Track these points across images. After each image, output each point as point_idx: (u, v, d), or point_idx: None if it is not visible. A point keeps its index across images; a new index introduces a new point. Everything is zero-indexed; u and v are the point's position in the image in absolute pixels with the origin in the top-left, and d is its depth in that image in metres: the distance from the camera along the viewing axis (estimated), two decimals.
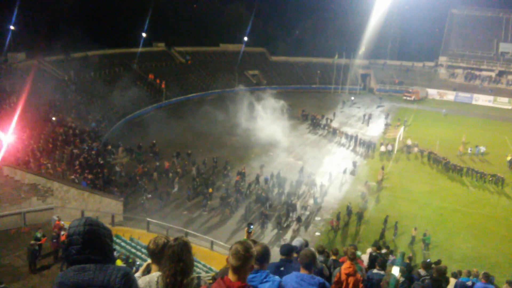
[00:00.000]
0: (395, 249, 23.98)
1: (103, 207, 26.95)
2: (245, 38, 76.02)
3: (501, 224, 30.02)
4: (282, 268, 5.36)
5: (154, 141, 39.75)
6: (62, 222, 19.94)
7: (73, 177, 27.80)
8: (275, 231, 27.87)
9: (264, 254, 4.43)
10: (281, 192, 33.10)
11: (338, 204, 31.86)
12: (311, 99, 67.43)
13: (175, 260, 3.13)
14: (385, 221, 27.84)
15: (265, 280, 4.22)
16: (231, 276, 3.39)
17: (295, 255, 5.88)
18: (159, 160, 36.92)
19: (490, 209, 32.30)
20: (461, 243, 27.17)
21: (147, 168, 34.54)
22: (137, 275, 3.91)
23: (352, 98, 66.99)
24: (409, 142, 45.04)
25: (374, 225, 28.66)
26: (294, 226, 28.12)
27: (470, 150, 44.21)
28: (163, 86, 58.03)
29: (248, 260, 3.34)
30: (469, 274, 13.85)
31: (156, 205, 29.82)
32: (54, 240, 19.06)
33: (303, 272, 4.96)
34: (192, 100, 61.20)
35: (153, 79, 60.81)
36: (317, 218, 29.75)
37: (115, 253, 15.93)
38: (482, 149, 44.03)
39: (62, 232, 18.82)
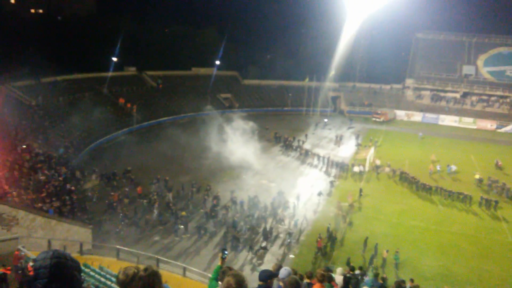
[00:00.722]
0: (368, 269, 24.06)
1: (71, 235, 26.10)
2: (217, 62, 76.59)
3: (469, 241, 30.68)
4: None
5: (129, 168, 39.12)
6: (23, 253, 19.16)
7: (40, 205, 26.95)
8: (249, 255, 27.59)
9: (240, 283, 4.34)
10: (258, 215, 32.86)
11: (312, 226, 31.89)
12: (283, 121, 68.12)
13: None
14: (365, 242, 28.04)
15: None
16: None
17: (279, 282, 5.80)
18: (133, 186, 36.35)
19: (458, 227, 32.98)
20: (432, 261, 27.55)
21: (121, 195, 33.91)
22: None
23: (326, 120, 67.97)
24: (377, 162, 45.88)
25: (347, 246, 28.76)
26: (269, 247, 27.99)
27: (439, 167, 45.45)
28: (134, 110, 57.48)
29: None
30: None
31: (133, 233, 29.17)
32: (20, 272, 18.25)
33: None
34: (164, 124, 60.77)
35: (124, 103, 60.23)
36: (292, 240, 29.60)
37: (84, 284, 15.37)
38: (453, 168, 45.23)
39: (31, 263, 18.04)
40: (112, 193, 34.16)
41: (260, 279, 5.67)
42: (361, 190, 37.55)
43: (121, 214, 30.34)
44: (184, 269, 23.91)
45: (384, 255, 26.63)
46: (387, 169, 44.99)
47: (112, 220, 30.47)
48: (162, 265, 24.38)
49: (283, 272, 6.87)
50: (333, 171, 44.90)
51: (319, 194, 36.54)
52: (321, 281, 7.27)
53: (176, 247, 28.28)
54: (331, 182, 39.77)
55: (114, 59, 65.33)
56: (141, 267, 3.58)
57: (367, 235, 29.79)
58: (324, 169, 45.76)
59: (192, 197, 35.44)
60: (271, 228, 30.37)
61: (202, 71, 78.89)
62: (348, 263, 19.79)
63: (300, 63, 78.19)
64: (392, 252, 26.67)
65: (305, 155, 49.50)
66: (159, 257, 25.04)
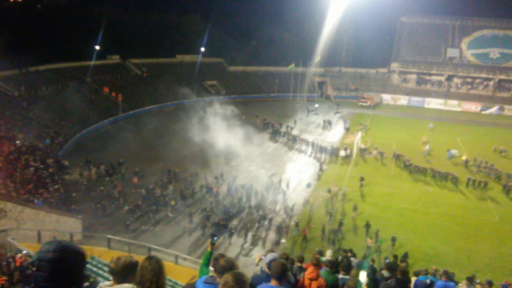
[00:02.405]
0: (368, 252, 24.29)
1: (61, 226, 25.84)
2: (202, 49, 75.80)
3: (457, 222, 31.18)
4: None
5: (121, 160, 38.69)
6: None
7: (27, 196, 26.54)
8: (241, 240, 27.64)
9: (229, 268, 4.29)
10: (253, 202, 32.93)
11: (302, 211, 32.02)
12: (270, 108, 68.03)
13: (154, 279, 3.16)
14: (367, 226, 28.36)
15: None
16: None
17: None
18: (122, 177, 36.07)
19: (447, 208, 33.47)
20: (421, 242, 27.96)
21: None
22: (106, 283, 3.85)
23: (316, 105, 68.04)
24: (362, 146, 46.31)
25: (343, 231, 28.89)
26: (264, 234, 28.12)
27: (428, 147, 46.49)
28: (119, 99, 56.75)
29: None
30: (426, 272, 14.22)
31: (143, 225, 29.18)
32: (4, 263, 17.94)
33: (273, 284, 4.81)
34: (150, 112, 60.21)
35: (109, 92, 59.40)
36: (282, 225, 29.68)
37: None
38: (454, 152, 45.63)
39: (19, 255, 17.78)
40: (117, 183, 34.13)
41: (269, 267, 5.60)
42: (362, 179, 36.94)
43: (126, 207, 30.12)
44: (176, 256, 23.89)
45: (368, 243, 26.59)
46: (374, 152, 45.37)
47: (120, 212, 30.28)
48: (154, 253, 24.34)
49: (268, 257, 6.84)
50: (322, 156, 45.01)
51: (308, 186, 35.92)
52: (315, 265, 7.23)
53: (166, 235, 28.19)
54: (319, 175, 39.73)
55: (97, 47, 64.24)
56: (134, 255, 3.57)
57: (357, 218, 30.14)
58: (312, 154, 45.86)
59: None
60: (264, 214, 30.42)
61: (187, 58, 78.10)
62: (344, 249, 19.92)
63: (286, 49, 77.92)
64: (389, 233, 27.06)
65: (293, 141, 49.51)
66: (150, 245, 24.96)
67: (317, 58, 76.31)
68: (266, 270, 5.84)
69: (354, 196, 34.68)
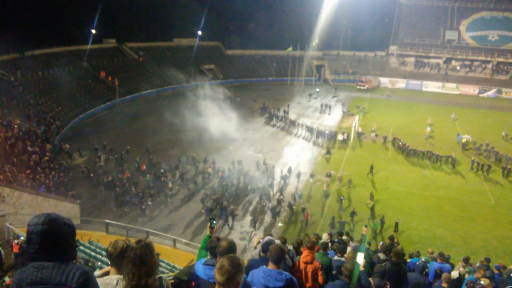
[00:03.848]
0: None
1: (59, 211, 25.75)
2: (199, 32, 75.16)
3: (453, 205, 31.39)
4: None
5: (128, 147, 38.59)
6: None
7: (25, 181, 26.59)
8: (238, 224, 27.82)
9: (230, 249, 4.35)
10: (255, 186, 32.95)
11: (302, 196, 32.12)
12: (268, 92, 67.82)
13: (138, 263, 3.07)
14: (372, 210, 28.56)
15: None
16: None
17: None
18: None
19: (443, 191, 33.65)
20: (418, 225, 28.19)
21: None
22: (96, 273, 3.80)
23: (318, 89, 67.77)
24: (359, 129, 46.57)
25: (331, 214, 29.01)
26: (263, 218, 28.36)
27: (429, 129, 47.16)
28: (116, 83, 56.45)
29: (234, 276, 3.12)
30: (419, 254, 14.35)
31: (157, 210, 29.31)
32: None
33: (271, 267, 4.89)
34: (148, 96, 59.99)
35: (105, 76, 59.05)
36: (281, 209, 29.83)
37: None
38: (467, 137, 45.15)
39: (16, 241, 17.88)
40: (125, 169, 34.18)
41: (264, 250, 5.64)
42: (372, 167, 36.37)
43: (141, 193, 30.07)
44: (174, 240, 24.09)
45: (363, 231, 25.99)
46: (372, 135, 45.41)
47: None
48: (152, 237, 24.52)
49: (265, 240, 6.89)
50: (320, 140, 45.00)
51: (312, 176, 34.98)
52: (310, 248, 7.30)
53: (162, 219, 28.37)
54: (327, 158, 39.87)
55: (93, 31, 63.59)
56: (132, 240, 3.54)
57: (353, 201, 30.34)
58: (310, 138, 45.83)
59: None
60: (264, 198, 30.66)
61: (184, 42, 77.50)
62: (340, 232, 20.03)
63: (284, 32, 77.36)
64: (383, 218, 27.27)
65: (290, 125, 49.39)
66: (149, 229, 25.14)
67: (315, 41, 75.76)
68: (262, 254, 5.90)
69: (360, 182, 34.62)
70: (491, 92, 70.43)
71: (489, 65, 76.18)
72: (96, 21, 63.94)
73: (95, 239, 22.76)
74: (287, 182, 33.88)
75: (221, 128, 41.53)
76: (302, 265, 7.02)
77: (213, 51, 80.00)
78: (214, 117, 43.18)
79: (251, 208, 30.15)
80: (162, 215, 28.90)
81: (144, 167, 34.84)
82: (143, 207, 28.80)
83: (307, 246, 7.50)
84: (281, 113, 53.29)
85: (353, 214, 27.93)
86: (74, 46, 61.84)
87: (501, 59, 76.04)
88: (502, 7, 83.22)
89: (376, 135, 45.16)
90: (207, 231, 5.70)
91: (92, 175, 33.11)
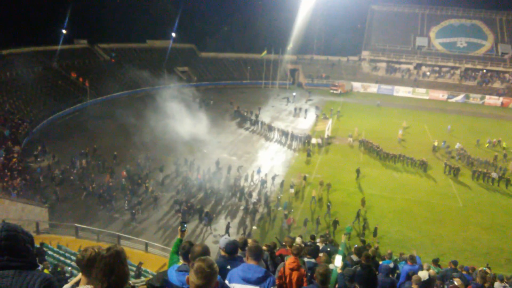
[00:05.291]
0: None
1: (26, 215, 25.18)
2: (173, 34, 74.60)
3: (423, 207, 32.05)
4: (228, 267, 5.25)
5: (116, 153, 37.95)
6: None
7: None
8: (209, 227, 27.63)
9: (204, 254, 4.29)
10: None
11: (275, 197, 32.17)
12: (243, 95, 67.88)
13: (107, 273, 2.90)
14: (358, 214, 28.69)
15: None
16: None
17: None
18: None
19: (413, 194, 34.32)
20: (389, 227, 28.62)
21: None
22: (65, 286, 3.76)
23: (294, 93, 68.12)
24: (328, 133, 47.30)
25: (306, 216, 29.17)
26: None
27: (401, 132, 48.16)
28: (87, 85, 55.37)
29: (213, 277, 3.13)
30: (390, 256, 14.56)
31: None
32: None
33: (251, 263, 4.99)
34: (119, 99, 59.04)
35: (76, 77, 57.86)
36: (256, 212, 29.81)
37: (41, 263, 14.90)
38: (458, 145, 45.33)
39: None
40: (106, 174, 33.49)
41: (227, 251, 5.60)
42: (358, 171, 36.82)
43: (127, 201, 29.49)
44: (146, 244, 23.74)
45: (343, 239, 26.27)
46: (349, 140, 45.90)
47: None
48: (124, 242, 24.10)
49: (223, 240, 6.82)
50: (294, 143, 45.22)
51: (291, 186, 33.57)
52: (295, 255, 7.25)
53: (155, 224, 27.95)
54: (308, 160, 40.10)
55: (64, 31, 62.24)
56: (103, 246, 3.42)
57: (327, 204, 30.59)
58: (283, 141, 45.99)
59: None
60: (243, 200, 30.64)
61: (157, 43, 76.78)
62: (313, 236, 20.12)
63: (258, 36, 77.71)
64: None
65: (266, 129, 49.34)
66: (120, 233, 24.69)
67: (289, 45, 76.35)
68: (223, 253, 5.87)
69: (335, 186, 34.80)
70: (460, 98, 72.50)
71: (458, 71, 78.46)
72: (67, 21, 62.64)
73: (64, 243, 22.22)
74: (264, 186, 33.86)
75: (194, 131, 41.26)
76: (287, 271, 6.98)
77: (187, 53, 79.49)
78: (187, 120, 42.81)
79: (226, 211, 30.00)
80: (133, 219, 28.39)
81: (124, 172, 34.05)
82: (133, 212, 28.22)
83: (293, 252, 7.45)
84: (253, 117, 53.33)
85: (335, 223, 27.44)
86: (44, 46, 60.33)
87: (469, 65, 78.47)
88: (470, 14, 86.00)
89: (354, 140, 45.63)
90: (178, 235, 5.62)
91: (72, 177, 32.32)
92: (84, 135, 42.49)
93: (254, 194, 32.18)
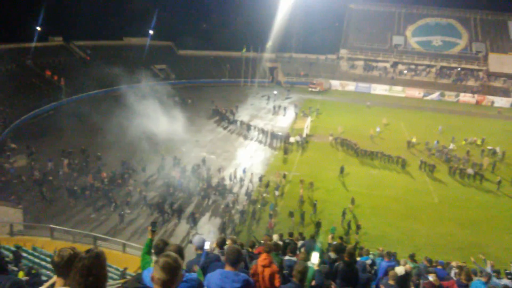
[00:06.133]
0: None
1: (0, 216, 24.53)
2: (151, 32, 73.74)
3: (400, 203, 32.52)
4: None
5: (99, 153, 37.24)
6: None
7: None
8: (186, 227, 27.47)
9: (179, 254, 4.23)
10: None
11: (254, 195, 32.15)
12: (222, 93, 67.72)
13: (84, 274, 2.86)
14: (344, 213, 28.70)
15: (183, 280, 4.07)
16: None
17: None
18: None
19: (390, 190, 34.80)
20: (366, 223, 28.87)
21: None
22: None
23: (275, 92, 68.09)
24: (306, 131, 47.43)
25: (285, 215, 29.19)
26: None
27: (378, 129, 49.03)
28: (62, 83, 54.28)
29: (178, 271, 3.15)
30: (368, 252, 14.73)
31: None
32: None
33: (228, 269, 4.88)
34: (96, 97, 58.04)
35: (51, 75, 56.65)
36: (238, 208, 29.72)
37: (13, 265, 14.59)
38: (451, 146, 45.61)
39: None
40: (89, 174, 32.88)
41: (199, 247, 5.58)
42: (342, 169, 37.08)
43: (113, 203, 28.94)
44: (124, 245, 23.43)
45: (329, 240, 26.30)
46: (330, 138, 46.12)
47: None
48: (100, 243, 23.74)
49: (197, 239, 6.79)
50: (273, 142, 45.27)
51: (276, 188, 33.13)
52: (267, 252, 7.27)
53: (111, 223, 27.50)
54: (285, 158, 40.08)
55: (38, 28, 60.88)
56: (80, 248, 3.36)
57: (307, 202, 30.75)
58: (262, 140, 46.02)
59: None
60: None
61: (135, 41, 75.85)
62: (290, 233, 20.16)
63: (237, 34, 77.43)
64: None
65: (245, 128, 49.21)
66: (96, 234, 24.32)
67: (268, 43, 76.45)
68: (198, 251, 5.84)
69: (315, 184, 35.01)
70: (435, 95, 73.86)
71: (433, 69, 79.93)
72: (41, 18, 61.30)
73: (39, 245, 21.75)
74: (242, 184, 33.82)
75: (173, 129, 40.93)
76: (259, 269, 6.98)
77: (165, 51, 78.73)
78: (165, 118, 42.42)
79: (210, 210, 29.86)
80: (109, 219, 27.97)
81: (105, 174, 33.31)
82: (122, 212, 27.70)
83: (265, 249, 7.47)
84: (231, 115, 53.11)
85: (318, 225, 27.12)
86: (17, 43, 58.77)
87: (444, 64, 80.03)
88: (445, 14, 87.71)
89: (335, 139, 45.82)
90: (148, 235, 5.53)
91: (51, 178, 31.61)
92: (60, 135, 41.65)
93: (240, 193, 32.08)
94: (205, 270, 5.25)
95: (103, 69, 63.30)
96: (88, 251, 3.02)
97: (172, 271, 3.09)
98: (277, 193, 32.36)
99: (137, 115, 41.31)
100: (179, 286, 4.06)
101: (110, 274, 17.64)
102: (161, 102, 45.48)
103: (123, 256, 22.49)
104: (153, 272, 3.13)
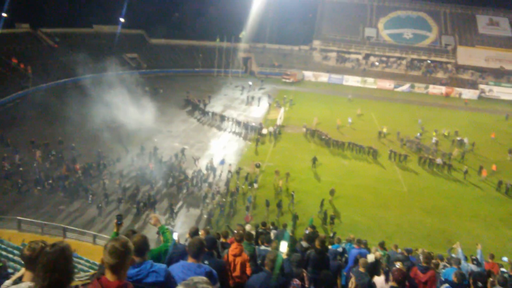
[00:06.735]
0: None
1: None
2: (121, 19, 72.12)
3: (370, 193, 33.16)
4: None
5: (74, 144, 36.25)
6: None
7: None
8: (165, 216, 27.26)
9: (143, 244, 4.27)
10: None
11: (232, 187, 32.07)
12: (195, 83, 67.05)
13: (49, 269, 2.78)
14: (321, 204, 28.82)
15: (151, 270, 4.03)
16: (109, 276, 3.13)
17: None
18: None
19: (361, 180, 35.40)
20: (339, 212, 29.33)
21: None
22: (7, 283, 3.58)
23: (250, 83, 67.74)
24: (279, 122, 47.52)
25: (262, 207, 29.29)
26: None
27: (350, 120, 49.82)
28: (29, 71, 52.60)
29: (127, 256, 3.13)
30: (339, 241, 14.97)
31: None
32: None
33: (191, 261, 4.84)
34: (64, 85, 56.49)
35: (17, 63, 54.81)
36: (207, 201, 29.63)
37: None
38: (465, 140, 45.76)
39: None
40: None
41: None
42: (315, 159, 37.17)
43: (90, 196, 28.28)
44: (94, 236, 23.09)
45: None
46: (303, 129, 46.34)
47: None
48: (70, 234, 23.32)
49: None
50: (247, 132, 45.19)
51: (250, 184, 32.87)
52: (238, 241, 7.30)
53: (84, 215, 27.03)
54: (256, 149, 40.14)
55: (4, 14, 58.65)
56: (47, 240, 3.28)
57: (278, 192, 30.97)
58: (235, 130, 45.93)
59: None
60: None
61: (105, 29, 74.04)
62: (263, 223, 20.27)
63: (210, 23, 76.62)
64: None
65: (218, 119, 48.91)
66: (66, 226, 23.86)
67: (242, 33, 75.97)
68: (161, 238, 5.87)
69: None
70: (405, 87, 75.23)
71: (404, 62, 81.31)
72: (7, 4, 59.02)
73: (6, 237, 21.20)
74: (215, 174, 33.74)
75: (144, 120, 40.38)
76: (231, 258, 7.00)
77: (136, 39, 77.21)
78: (137, 108, 41.75)
79: (186, 202, 29.67)
80: (79, 210, 27.45)
81: (78, 166, 32.52)
82: (100, 205, 27.12)
83: (236, 239, 7.49)
84: (203, 105, 52.66)
85: (295, 218, 26.84)
86: None
87: (414, 56, 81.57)
88: (416, 7, 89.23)
89: (307, 130, 46.04)
90: (114, 228, 5.44)
91: (21, 169, 30.79)
92: (27, 124, 40.48)
93: (219, 184, 31.96)
94: (171, 261, 5.20)
95: (72, 58, 61.48)
96: (53, 245, 2.94)
97: (119, 255, 3.09)
98: (256, 185, 32.38)
99: (106, 104, 40.37)
100: (148, 276, 4.04)
101: (80, 266, 17.38)
102: (131, 91, 44.67)
103: (94, 248, 22.18)
104: (103, 256, 3.13)
